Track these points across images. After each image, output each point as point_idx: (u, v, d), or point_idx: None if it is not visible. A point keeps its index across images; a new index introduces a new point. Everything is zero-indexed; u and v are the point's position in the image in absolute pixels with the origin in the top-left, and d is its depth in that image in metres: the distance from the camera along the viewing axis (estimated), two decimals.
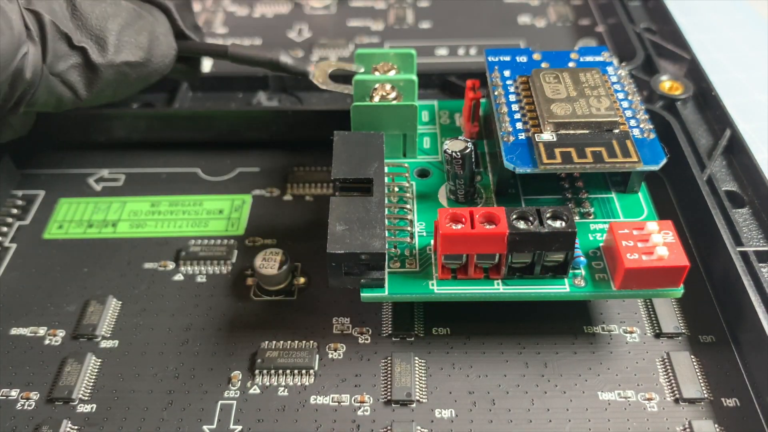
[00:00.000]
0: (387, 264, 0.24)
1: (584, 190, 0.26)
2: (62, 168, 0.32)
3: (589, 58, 0.28)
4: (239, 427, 0.22)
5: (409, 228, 0.25)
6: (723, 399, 0.23)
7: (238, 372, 0.24)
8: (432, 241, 0.25)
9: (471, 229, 0.22)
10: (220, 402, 0.23)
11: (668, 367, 0.24)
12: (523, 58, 0.28)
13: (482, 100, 0.29)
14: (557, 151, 0.24)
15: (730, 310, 0.25)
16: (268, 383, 0.24)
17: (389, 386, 0.23)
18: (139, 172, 0.32)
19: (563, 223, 0.22)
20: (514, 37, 0.40)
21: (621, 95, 0.26)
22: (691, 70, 0.34)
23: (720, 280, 0.26)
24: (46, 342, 0.25)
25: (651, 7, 0.40)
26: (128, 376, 0.24)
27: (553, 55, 0.28)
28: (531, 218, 0.22)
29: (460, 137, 0.25)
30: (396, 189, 0.26)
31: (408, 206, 0.25)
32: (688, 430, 0.22)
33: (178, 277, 0.27)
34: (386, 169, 0.25)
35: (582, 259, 0.23)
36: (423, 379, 0.24)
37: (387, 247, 0.23)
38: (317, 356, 0.24)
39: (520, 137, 0.25)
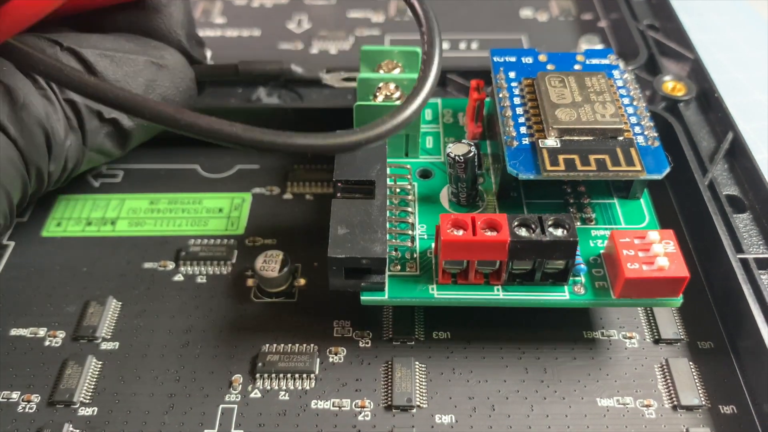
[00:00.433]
0: (387, 267, 0.23)
1: (586, 196, 0.26)
2: None
3: (595, 61, 0.27)
4: None
5: (410, 231, 0.25)
6: (720, 406, 0.23)
7: (239, 375, 0.24)
8: (433, 245, 0.25)
9: (472, 236, 0.22)
10: (221, 406, 0.23)
11: (667, 373, 0.24)
12: (528, 59, 0.28)
13: (486, 100, 0.28)
14: (561, 157, 0.23)
15: (729, 317, 0.25)
16: (269, 387, 0.24)
17: (390, 391, 0.23)
18: (137, 168, 0.32)
19: (565, 232, 0.22)
20: (516, 32, 0.40)
21: (626, 100, 0.26)
22: (694, 70, 0.34)
23: (720, 287, 0.26)
24: (47, 343, 0.25)
25: (654, 2, 0.40)
26: (129, 378, 0.24)
27: (559, 56, 0.28)
28: (533, 226, 0.22)
29: (463, 140, 0.25)
30: (398, 191, 0.26)
31: (409, 209, 0.25)
32: None
33: (178, 277, 0.27)
34: (388, 170, 0.25)
35: (582, 266, 0.23)
36: (423, 384, 0.24)
37: (388, 251, 0.23)
38: (318, 360, 0.24)
39: (524, 142, 0.24)
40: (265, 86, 0.33)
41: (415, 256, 0.24)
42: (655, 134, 0.25)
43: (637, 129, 0.25)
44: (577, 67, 0.27)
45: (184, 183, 0.31)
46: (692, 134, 0.30)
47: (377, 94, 0.27)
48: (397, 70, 0.28)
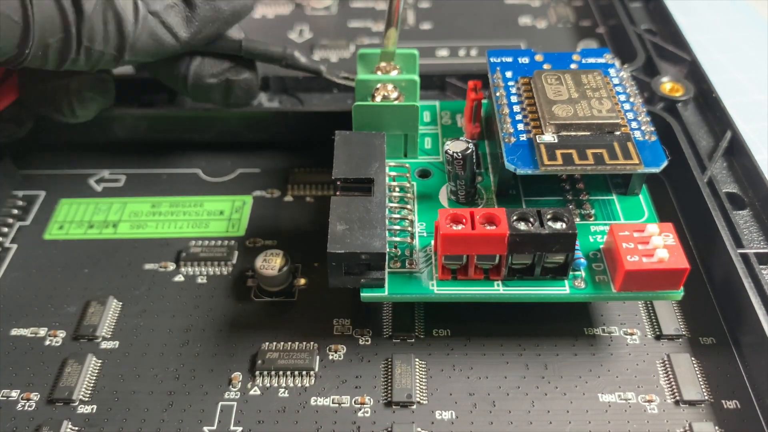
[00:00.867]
0: (387, 264, 0.24)
1: (585, 192, 0.26)
2: (63, 168, 0.32)
3: (591, 60, 0.28)
4: (240, 428, 0.22)
5: (409, 228, 0.25)
6: (723, 401, 0.23)
7: (239, 373, 0.24)
8: (432, 242, 0.25)
9: (471, 230, 0.22)
10: (220, 403, 0.23)
11: (669, 368, 0.24)
12: (525, 60, 0.28)
13: (484, 101, 0.29)
14: (558, 152, 0.24)
15: (730, 312, 0.25)
16: (268, 384, 0.24)
17: (390, 388, 0.23)
18: (139, 173, 0.32)
19: (564, 225, 0.22)
20: (515, 39, 0.40)
21: (623, 97, 0.26)
22: (691, 71, 0.34)
23: (720, 282, 0.26)
24: (47, 343, 0.25)
25: (652, 8, 0.40)
26: (129, 377, 0.24)
27: (555, 56, 0.28)
28: (531, 219, 0.22)
29: (461, 138, 0.25)
30: (397, 189, 0.26)
31: (409, 206, 0.25)
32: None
33: (179, 278, 0.27)
34: (387, 169, 0.25)
35: (582, 260, 0.23)
36: (423, 380, 0.24)
37: (387, 247, 0.23)
38: (318, 357, 0.24)
39: (522, 138, 0.25)
40: (266, 91, 0.34)
41: (414, 253, 0.24)
42: (652, 129, 0.25)
43: (633, 124, 0.25)
44: (573, 66, 0.28)
45: (185, 186, 0.31)
46: (691, 134, 0.30)
47: (375, 95, 0.27)
48: (394, 72, 0.28)
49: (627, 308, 0.26)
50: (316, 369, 0.24)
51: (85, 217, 0.30)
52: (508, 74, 0.27)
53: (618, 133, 0.24)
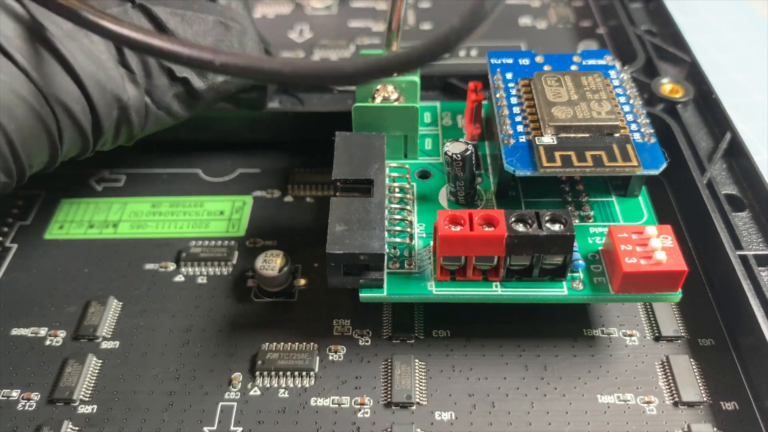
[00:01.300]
0: (386, 264, 0.24)
1: (584, 194, 0.26)
2: (63, 168, 0.32)
3: (591, 62, 0.28)
4: (240, 429, 0.22)
5: (408, 229, 0.25)
6: (722, 402, 0.23)
7: (239, 373, 0.24)
8: (431, 243, 0.25)
9: (470, 231, 0.22)
10: (220, 403, 0.23)
11: (667, 370, 0.24)
12: (525, 61, 0.28)
13: (484, 102, 0.29)
14: (557, 154, 0.24)
15: (729, 313, 0.25)
16: (268, 385, 0.24)
17: (389, 388, 0.23)
18: (140, 173, 0.32)
19: (562, 227, 0.22)
20: (515, 39, 0.40)
21: (622, 99, 0.26)
22: (691, 72, 0.34)
23: (720, 284, 0.26)
24: (47, 343, 0.25)
25: (652, 9, 0.40)
26: (129, 377, 0.24)
27: (556, 58, 0.28)
28: (530, 221, 0.22)
29: (461, 139, 0.25)
30: (397, 190, 0.26)
31: (408, 207, 0.25)
32: None
33: (179, 278, 0.27)
34: (387, 170, 0.25)
35: (580, 262, 0.23)
36: (423, 381, 0.24)
37: (386, 247, 0.23)
38: (317, 358, 0.24)
39: (521, 140, 0.25)
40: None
41: (413, 253, 0.24)
42: (651, 131, 0.25)
43: (633, 126, 0.25)
44: (573, 67, 0.28)
45: (185, 187, 0.31)
46: (690, 135, 0.30)
47: (375, 96, 0.28)
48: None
49: (626, 310, 0.26)
50: (316, 369, 0.24)
51: (86, 216, 0.30)
52: (509, 75, 0.28)
53: (617, 135, 0.24)
